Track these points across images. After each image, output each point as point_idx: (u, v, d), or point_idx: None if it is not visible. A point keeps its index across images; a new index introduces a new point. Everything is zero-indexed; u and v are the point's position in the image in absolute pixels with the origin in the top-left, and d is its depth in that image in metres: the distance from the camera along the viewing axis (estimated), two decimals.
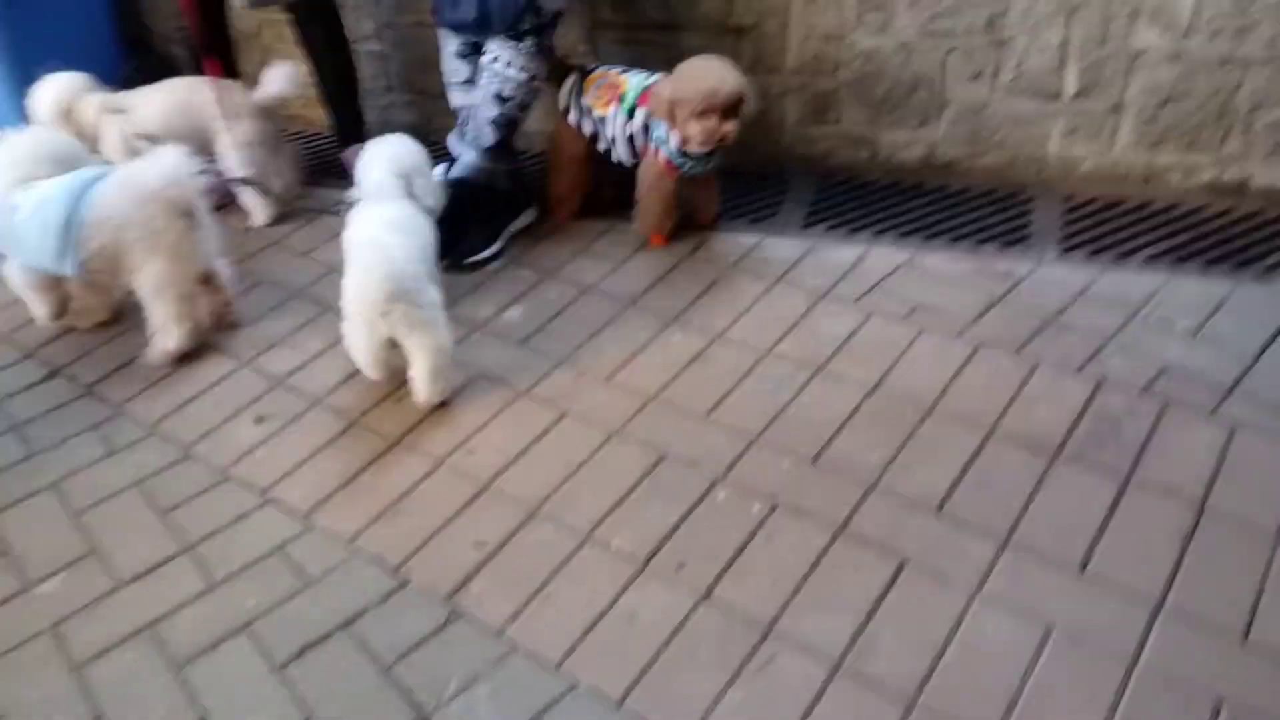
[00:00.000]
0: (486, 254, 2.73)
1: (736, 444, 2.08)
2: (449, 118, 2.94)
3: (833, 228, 2.73)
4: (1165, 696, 1.56)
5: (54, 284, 2.53)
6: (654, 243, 2.71)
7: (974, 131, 2.82)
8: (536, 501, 2.01)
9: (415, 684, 1.70)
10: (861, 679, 1.63)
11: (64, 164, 2.44)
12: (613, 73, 2.69)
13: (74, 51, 3.14)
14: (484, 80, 2.68)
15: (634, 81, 2.63)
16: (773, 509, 1.93)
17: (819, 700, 1.61)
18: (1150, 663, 1.61)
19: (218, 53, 3.08)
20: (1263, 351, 2.15)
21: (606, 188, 2.84)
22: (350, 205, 2.33)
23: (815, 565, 1.82)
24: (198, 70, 2.98)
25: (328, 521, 2.01)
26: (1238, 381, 2.08)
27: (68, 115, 2.85)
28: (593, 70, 2.73)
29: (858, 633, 1.70)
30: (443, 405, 2.26)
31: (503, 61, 2.63)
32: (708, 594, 1.79)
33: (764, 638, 1.71)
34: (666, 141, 2.54)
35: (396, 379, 2.30)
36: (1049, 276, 2.45)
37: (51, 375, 2.47)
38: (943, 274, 2.50)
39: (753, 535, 1.89)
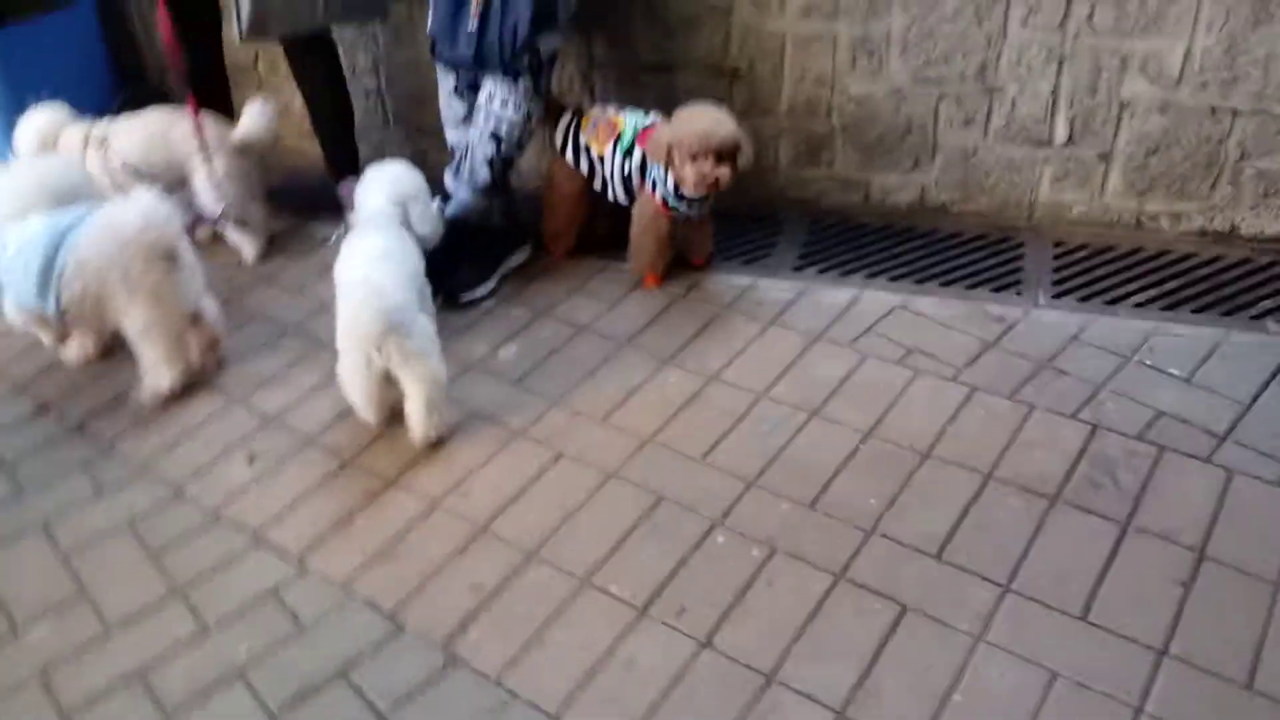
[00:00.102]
0: (481, 292, 2.73)
1: (734, 487, 2.08)
2: (443, 153, 2.95)
3: (825, 270, 2.75)
4: None
5: (50, 318, 2.50)
6: (648, 283, 2.71)
7: (965, 176, 2.85)
8: (533, 544, 1.99)
9: None
10: None
11: (66, 196, 2.43)
12: (609, 112, 2.71)
13: (68, 81, 3.14)
14: (480, 118, 2.69)
15: (631, 121, 2.64)
16: (772, 553, 1.92)
17: None
18: (1155, 711, 1.60)
19: (211, 86, 3.09)
20: (1256, 398, 2.17)
21: (601, 225, 2.84)
22: (340, 238, 2.33)
23: (816, 611, 1.81)
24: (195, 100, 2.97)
25: (321, 564, 1.99)
26: (1232, 428, 2.10)
27: (52, 147, 2.84)
28: (588, 109, 2.74)
29: (860, 681, 1.69)
30: (438, 444, 2.24)
31: (499, 100, 2.64)
32: (708, 640, 1.78)
33: (765, 686, 1.69)
34: (663, 183, 2.55)
35: (390, 420, 2.28)
36: (1041, 321, 2.47)
37: (41, 411, 2.44)
38: (936, 317, 2.51)
39: (752, 580, 1.88)
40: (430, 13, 2.70)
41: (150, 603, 1.93)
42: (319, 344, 2.52)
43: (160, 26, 2.79)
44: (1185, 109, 2.57)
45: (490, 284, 2.75)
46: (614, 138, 2.63)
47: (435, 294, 2.51)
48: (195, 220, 2.91)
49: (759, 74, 2.91)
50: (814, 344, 2.46)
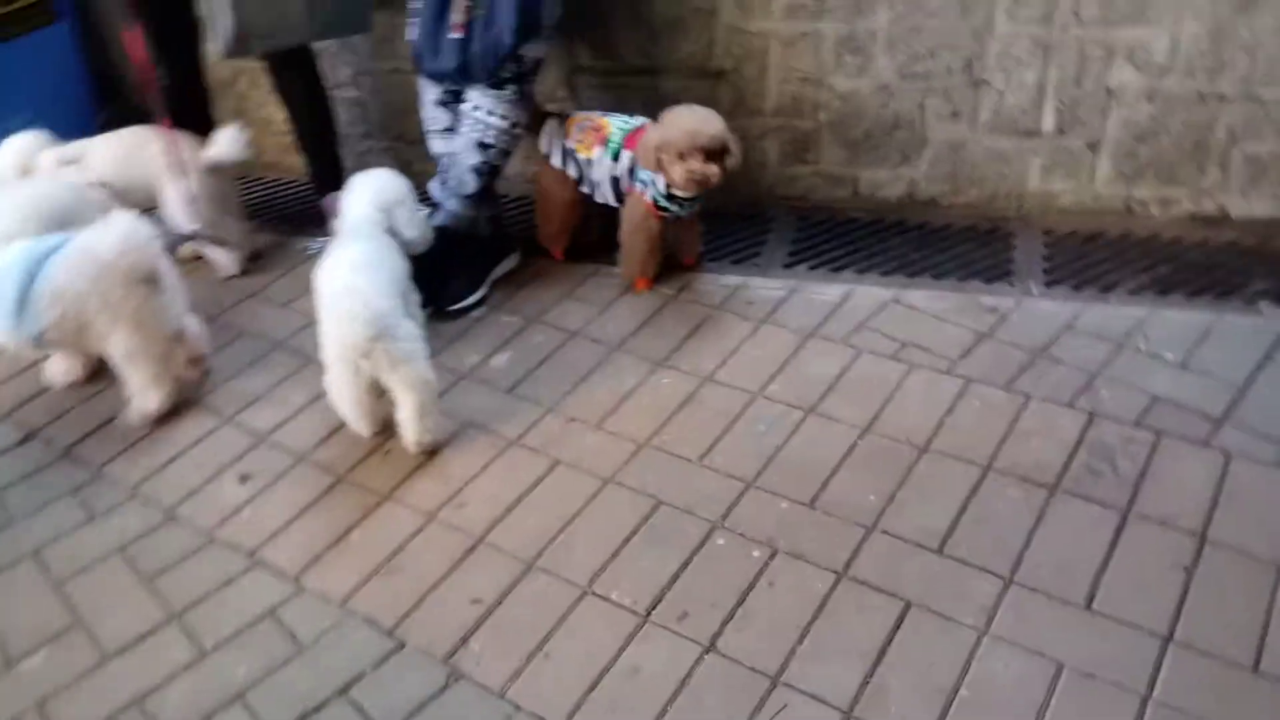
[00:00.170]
0: (470, 300, 2.71)
1: (732, 488, 2.06)
2: (428, 163, 2.93)
3: (816, 266, 2.74)
4: None
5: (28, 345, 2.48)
6: (638, 286, 2.70)
7: (954, 169, 2.84)
8: (532, 554, 1.97)
9: None
10: None
11: (62, 219, 2.41)
12: (594, 116, 2.69)
13: (47, 103, 3.11)
14: (465, 128, 2.67)
15: (617, 124, 2.63)
16: (773, 554, 1.91)
17: None
18: (1163, 698, 1.60)
19: (192, 103, 3.06)
20: (1251, 381, 2.16)
21: (591, 228, 2.83)
22: (322, 248, 2.31)
23: (819, 610, 1.80)
24: (172, 119, 2.95)
25: (318, 583, 1.96)
26: (1229, 411, 2.09)
27: (30, 173, 2.81)
28: (572, 115, 2.73)
29: (866, 679, 1.68)
30: (432, 455, 2.22)
31: (484, 109, 2.62)
32: (712, 644, 1.76)
33: (771, 688, 1.68)
34: (653, 184, 2.54)
35: (383, 432, 2.27)
36: (1034, 310, 2.46)
37: (28, 438, 2.41)
38: (929, 310, 2.50)
39: (754, 581, 1.86)
40: (411, 24, 2.68)
41: (146, 628, 1.90)
42: (308, 359, 2.49)
43: (129, 46, 2.77)
44: (1173, 96, 2.57)
45: (480, 292, 2.73)
46: (601, 141, 2.62)
47: (425, 304, 2.50)
48: (177, 239, 2.88)
49: (745, 74, 2.90)
50: (807, 341, 2.44)
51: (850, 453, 2.11)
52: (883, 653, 1.71)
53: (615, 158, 2.60)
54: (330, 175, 3.14)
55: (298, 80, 3.07)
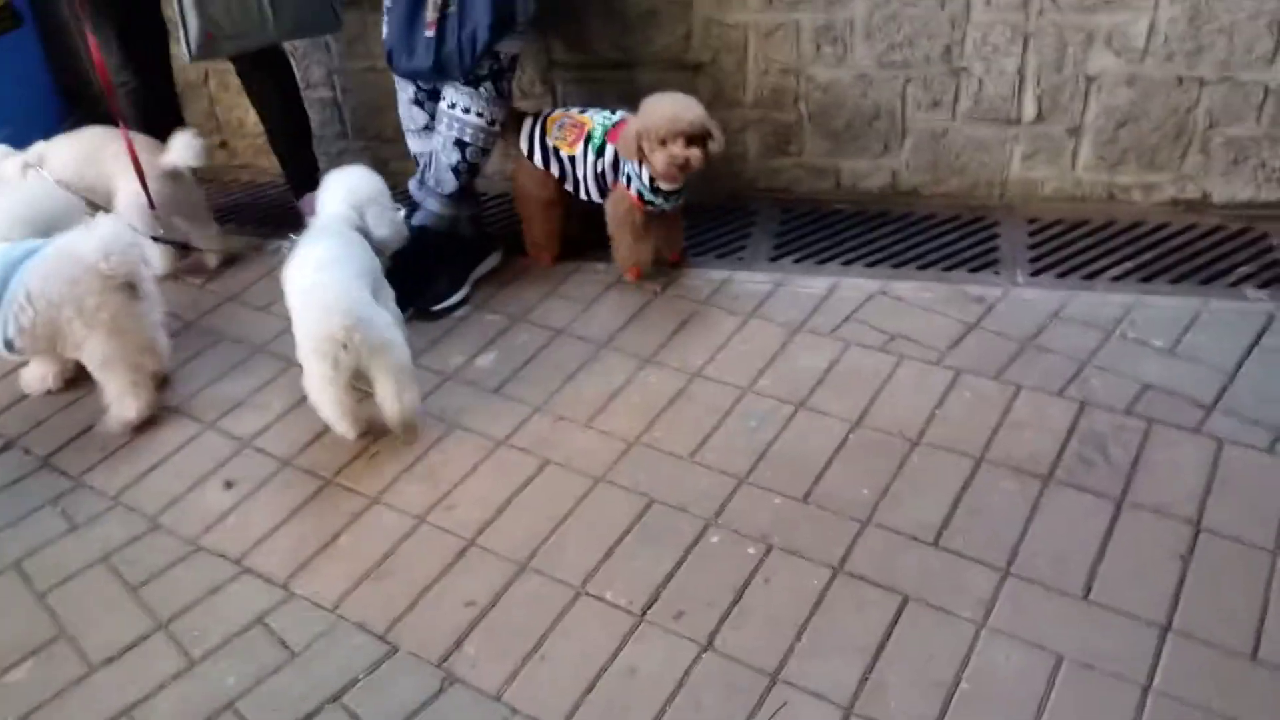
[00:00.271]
0: (453, 300, 2.68)
1: (724, 485, 2.05)
2: (404, 162, 2.89)
3: (801, 259, 2.72)
4: None
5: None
6: (632, 275, 2.67)
7: (935, 158, 2.83)
8: (524, 555, 1.95)
9: None
10: None
11: (51, 223, 2.38)
12: (573, 112, 2.66)
13: (12, 108, 3.06)
14: (443, 127, 2.64)
15: (598, 119, 2.60)
16: (768, 550, 1.90)
17: None
18: (1163, 687, 1.59)
19: (161, 106, 3.02)
20: (1239, 366, 2.17)
21: (572, 226, 2.80)
22: (291, 246, 2.30)
23: (816, 606, 1.79)
24: (140, 122, 2.90)
25: (308, 589, 1.93)
26: (1219, 397, 2.10)
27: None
28: (550, 112, 2.70)
29: (865, 675, 1.67)
30: (418, 456, 2.20)
31: (461, 107, 2.59)
32: (709, 643, 1.75)
33: (770, 686, 1.67)
34: (637, 176, 2.52)
35: (368, 434, 2.25)
36: (1021, 299, 2.45)
37: (5, 448, 2.37)
38: (915, 301, 2.49)
39: (750, 578, 1.85)
40: (385, 23, 2.64)
41: (133, 638, 1.87)
42: (289, 363, 2.45)
43: (90, 50, 2.72)
44: (1152, 81, 2.56)
45: (462, 292, 2.70)
46: (583, 137, 2.59)
47: (407, 305, 2.47)
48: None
49: (723, 66, 2.88)
50: (795, 335, 2.43)
51: (842, 446, 2.10)
52: (881, 648, 1.70)
53: (599, 153, 2.58)
54: (306, 176, 3.10)
55: (269, 81, 3.03)
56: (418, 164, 2.82)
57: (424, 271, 2.64)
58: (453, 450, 2.22)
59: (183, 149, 2.76)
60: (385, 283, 2.35)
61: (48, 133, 2.91)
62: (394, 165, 3.13)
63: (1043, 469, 1.99)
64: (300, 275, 2.21)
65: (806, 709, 1.63)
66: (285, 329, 2.59)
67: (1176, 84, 2.55)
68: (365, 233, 2.36)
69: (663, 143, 2.41)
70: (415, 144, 2.83)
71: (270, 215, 3.20)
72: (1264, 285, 2.40)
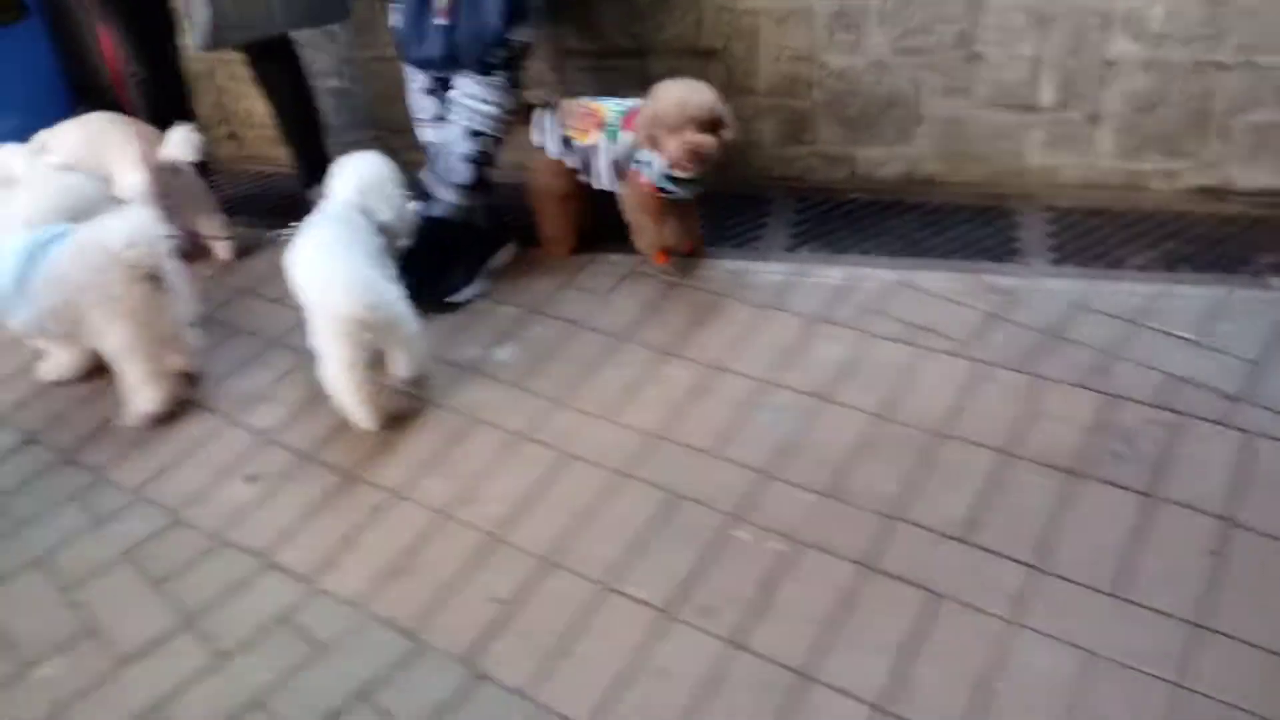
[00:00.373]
0: (468, 292, 2.66)
1: (748, 479, 2.04)
2: (415, 152, 2.87)
3: (818, 249, 2.71)
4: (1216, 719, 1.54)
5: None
6: (660, 259, 2.65)
7: (952, 146, 2.81)
8: (548, 550, 1.94)
9: None
10: None
11: (84, 211, 2.41)
12: (586, 102, 2.64)
13: (23, 101, 3.03)
14: (455, 116, 2.62)
15: (613, 107, 2.58)
16: (794, 545, 1.89)
17: None
18: (1197, 685, 1.58)
19: (170, 97, 3.00)
20: (1266, 357, 2.15)
21: (586, 216, 2.78)
22: (291, 234, 2.32)
23: (844, 603, 1.78)
24: (149, 113, 2.88)
25: (333, 584, 1.93)
26: (1246, 389, 2.08)
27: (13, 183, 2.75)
28: (563, 101, 2.67)
29: (896, 672, 1.66)
30: (441, 450, 2.19)
31: (474, 97, 2.57)
32: (736, 640, 1.74)
33: (800, 683, 1.66)
34: (651, 165, 2.49)
35: (387, 427, 2.24)
36: (1043, 289, 2.44)
37: (27, 442, 2.36)
38: (936, 291, 2.48)
39: (777, 574, 1.84)
40: (394, 10, 2.62)
41: (159, 634, 1.86)
42: (307, 355, 2.44)
43: (101, 41, 2.70)
44: (1171, 66, 2.54)
45: (477, 283, 2.69)
46: (599, 125, 2.57)
47: (422, 297, 2.45)
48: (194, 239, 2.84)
49: (735, 53, 2.86)
50: (815, 326, 2.41)
51: (867, 440, 2.09)
52: (912, 645, 1.70)
53: (614, 140, 2.55)
54: (316, 166, 3.07)
55: (278, 71, 3.01)
56: (429, 154, 2.80)
57: (439, 263, 2.62)
58: (472, 444, 2.21)
59: (179, 143, 2.74)
60: (389, 263, 2.37)
61: (56, 124, 2.89)
62: (405, 156, 3.08)
63: (1071, 463, 1.97)
64: (312, 260, 2.22)
65: (837, 705, 1.62)
66: (299, 322, 2.58)
67: (1196, 69, 2.52)
68: (369, 216, 2.36)
69: (675, 130, 2.38)
70: (427, 134, 2.80)
71: (280, 206, 3.17)
72: None
